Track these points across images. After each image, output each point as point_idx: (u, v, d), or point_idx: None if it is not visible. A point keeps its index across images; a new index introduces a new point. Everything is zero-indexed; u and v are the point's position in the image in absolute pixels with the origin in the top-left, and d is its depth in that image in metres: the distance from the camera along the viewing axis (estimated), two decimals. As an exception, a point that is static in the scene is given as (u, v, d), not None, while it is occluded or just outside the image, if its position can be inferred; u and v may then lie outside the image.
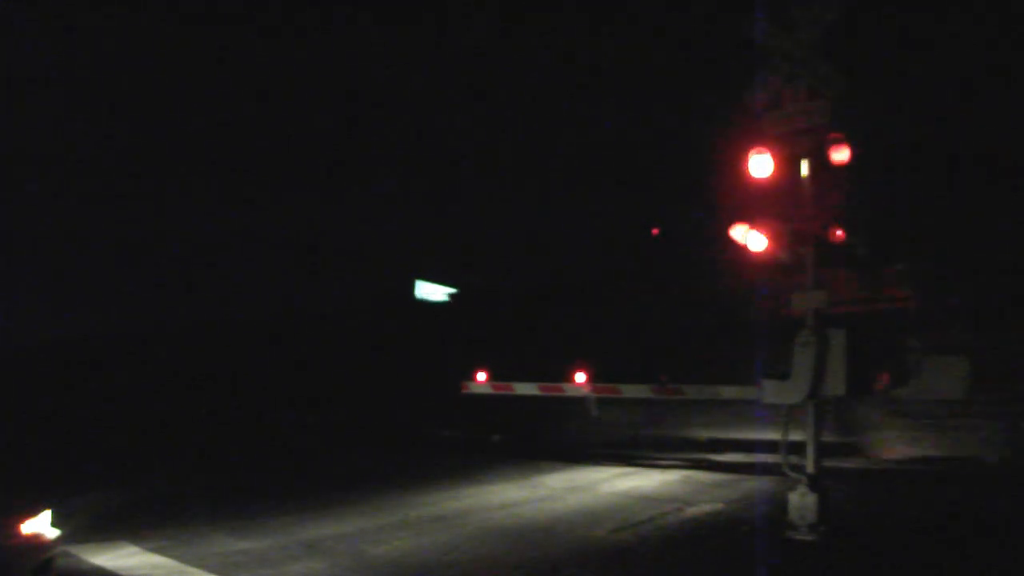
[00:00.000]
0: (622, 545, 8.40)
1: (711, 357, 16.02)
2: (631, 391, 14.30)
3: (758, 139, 8.43)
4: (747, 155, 8.33)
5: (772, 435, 9.90)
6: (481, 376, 15.64)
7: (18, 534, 6.07)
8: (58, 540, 6.47)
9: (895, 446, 13.65)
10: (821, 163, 8.26)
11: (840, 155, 8.11)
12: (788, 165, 8.41)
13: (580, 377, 14.56)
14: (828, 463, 8.66)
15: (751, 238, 8.29)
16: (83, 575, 7.61)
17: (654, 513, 9.93)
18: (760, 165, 8.31)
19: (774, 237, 8.31)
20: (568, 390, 14.65)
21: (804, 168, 8.40)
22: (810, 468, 8.26)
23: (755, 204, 8.46)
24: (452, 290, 30.59)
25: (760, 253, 8.30)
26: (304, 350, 30.17)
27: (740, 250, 8.48)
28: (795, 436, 8.58)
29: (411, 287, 30.92)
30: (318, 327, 31.19)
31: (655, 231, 23.00)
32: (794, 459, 8.52)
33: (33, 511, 6.28)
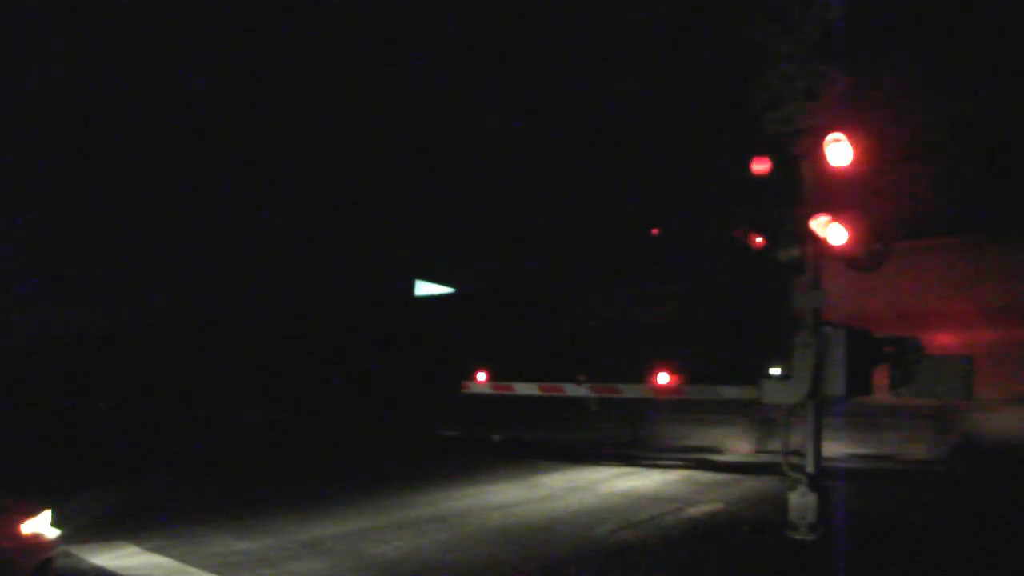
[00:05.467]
0: (622, 545, 8.40)
1: (711, 357, 16.02)
2: (631, 391, 14.28)
3: (758, 139, 8.36)
4: (748, 155, 8.26)
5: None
6: (481, 376, 15.63)
7: (18, 534, 6.06)
8: (58, 540, 6.46)
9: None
10: (821, 163, 8.13)
11: (840, 155, 8.00)
12: (788, 165, 8.30)
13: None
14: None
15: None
16: (83, 575, 7.61)
17: (654, 513, 9.93)
18: (760, 165, 8.23)
19: (774, 237, 8.25)
20: (568, 390, 14.64)
21: (804, 168, 8.32)
22: (810, 468, 8.26)
23: (756, 204, 8.36)
24: (452, 290, 30.60)
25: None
26: (304, 350, 30.17)
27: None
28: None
29: (411, 287, 30.93)
30: (318, 327, 31.19)
31: (655, 231, 23.01)
32: (794, 459, 8.53)
33: (33, 511, 6.27)
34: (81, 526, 9.10)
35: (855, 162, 7.86)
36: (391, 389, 24.69)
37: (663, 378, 13.58)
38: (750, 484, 11.97)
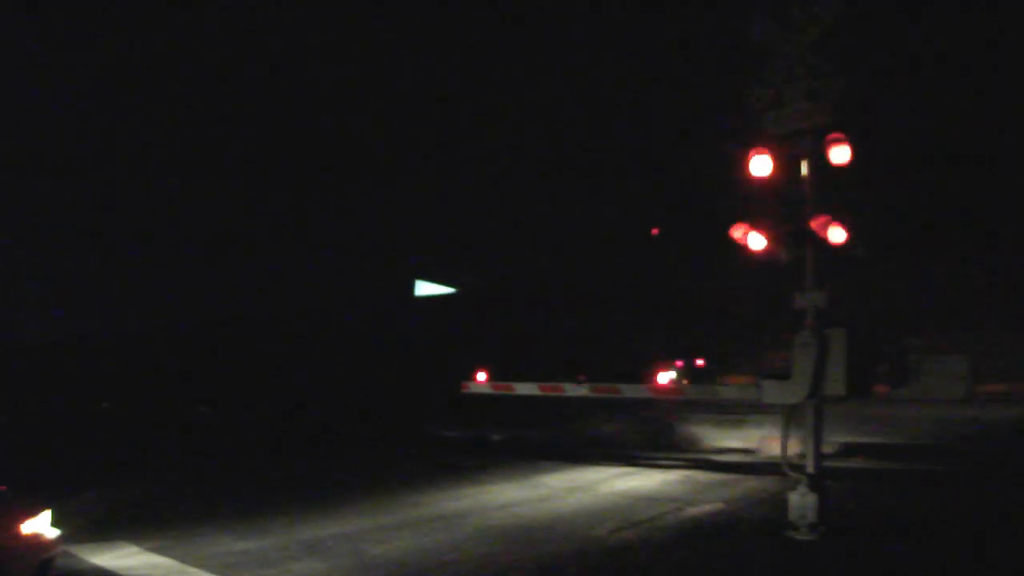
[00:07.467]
0: (622, 545, 8.40)
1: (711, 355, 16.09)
2: (631, 391, 14.30)
3: (758, 139, 8.43)
4: (748, 155, 8.34)
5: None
6: (481, 376, 15.63)
7: (18, 534, 6.07)
8: (58, 540, 6.47)
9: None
10: (821, 163, 8.26)
11: (840, 155, 8.10)
12: (788, 165, 8.41)
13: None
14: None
15: (751, 238, 8.30)
16: (83, 575, 7.61)
17: (654, 513, 9.93)
18: (760, 165, 8.32)
19: (773, 237, 8.31)
20: (568, 390, 14.65)
21: (804, 168, 8.40)
22: (810, 468, 8.26)
23: (755, 204, 8.46)
24: (452, 290, 30.63)
25: (760, 252, 8.31)
26: (304, 349, 30.20)
27: (741, 249, 8.48)
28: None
29: (411, 287, 30.96)
30: (318, 326, 31.21)
31: (655, 231, 23.05)
32: (794, 459, 8.53)
33: (33, 511, 6.28)
34: (81, 526, 9.10)
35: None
36: (391, 389, 24.70)
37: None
38: (750, 484, 11.96)
